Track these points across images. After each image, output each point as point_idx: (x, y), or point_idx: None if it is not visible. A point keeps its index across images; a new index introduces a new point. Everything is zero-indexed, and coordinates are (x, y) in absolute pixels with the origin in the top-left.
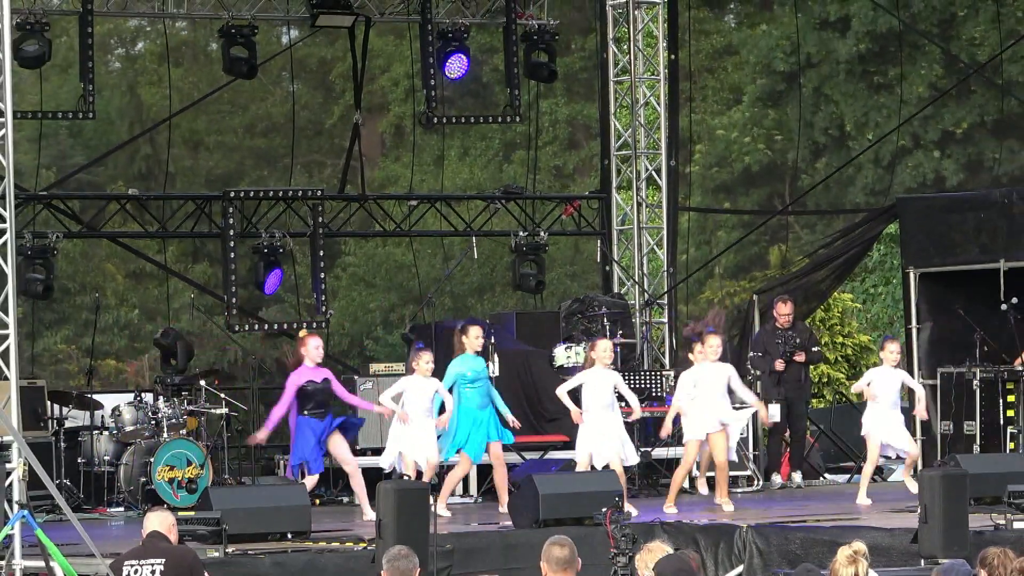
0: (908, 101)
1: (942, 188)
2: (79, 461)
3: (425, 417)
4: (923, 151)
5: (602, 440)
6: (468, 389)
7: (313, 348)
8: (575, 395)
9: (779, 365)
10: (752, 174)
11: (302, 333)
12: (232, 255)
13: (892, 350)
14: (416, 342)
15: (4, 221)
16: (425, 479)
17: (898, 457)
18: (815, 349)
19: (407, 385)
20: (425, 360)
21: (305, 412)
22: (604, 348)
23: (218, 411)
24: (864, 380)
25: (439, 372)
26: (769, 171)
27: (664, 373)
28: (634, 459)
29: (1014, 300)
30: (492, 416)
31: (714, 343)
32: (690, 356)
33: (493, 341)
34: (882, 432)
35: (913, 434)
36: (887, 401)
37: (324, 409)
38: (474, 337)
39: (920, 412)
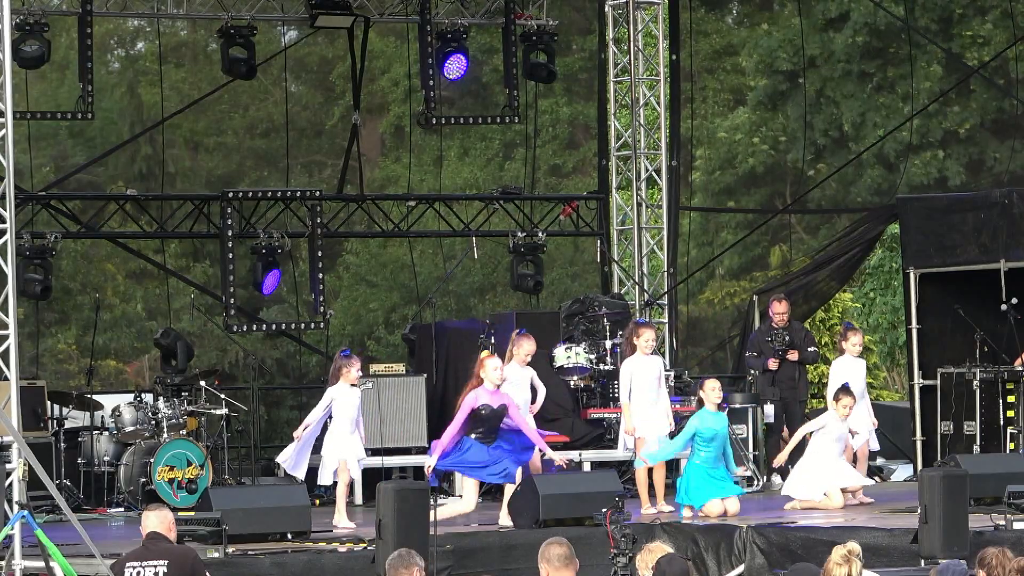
0: (909, 101)
1: (944, 189)
2: (79, 461)
3: (352, 425)
4: (926, 152)
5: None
6: (702, 449)
7: (492, 370)
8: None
9: (772, 364)
10: (754, 176)
11: (483, 354)
12: (231, 255)
13: (855, 341)
14: (343, 349)
15: (4, 221)
16: (342, 483)
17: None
18: (811, 349)
19: (334, 394)
20: (356, 368)
21: (473, 435)
22: (529, 347)
23: (218, 411)
24: (834, 380)
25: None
26: (771, 173)
27: (664, 373)
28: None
29: (1014, 300)
30: (723, 483)
31: (648, 336)
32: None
33: (493, 341)
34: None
35: (914, 433)
36: (856, 391)
37: (493, 436)
38: (710, 390)
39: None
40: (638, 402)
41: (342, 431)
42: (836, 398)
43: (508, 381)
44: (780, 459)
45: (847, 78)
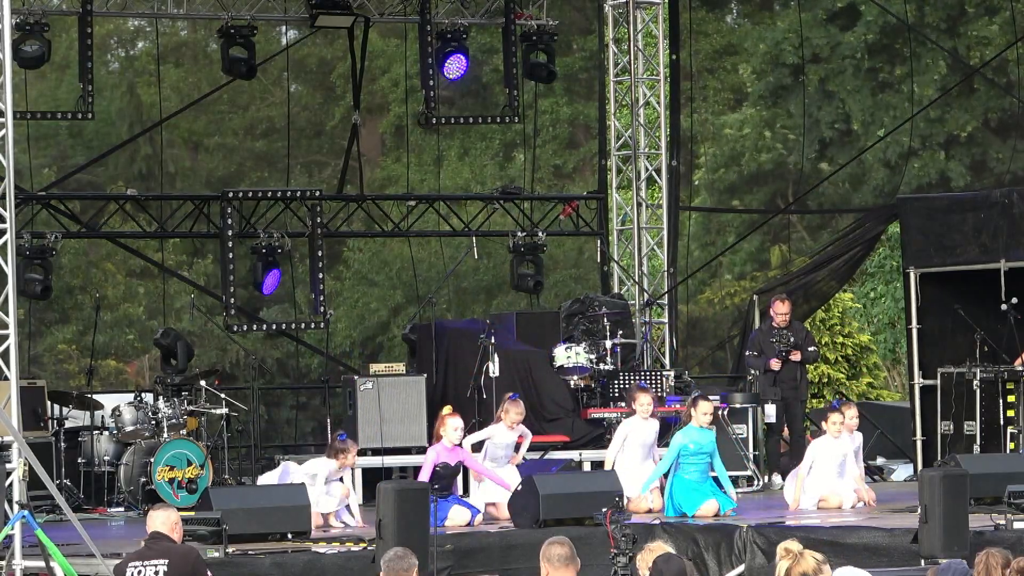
0: (915, 101)
1: (947, 189)
2: (79, 461)
3: (319, 492)
4: (929, 152)
5: (501, 492)
6: (688, 464)
7: (452, 430)
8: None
9: (774, 364)
10: (759, 174)
11: (445, 410)
12: (231, 255)
13: (852, 414)
14: (340, 433)
15: (4, 221)
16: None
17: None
18: (811, 348)
19: (319, 468)
20: (352, 454)
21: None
22: (516, 415)
23: (218, 411)
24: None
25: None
26: (774, 171)
27: (664, 373)
28: None
29: (1014, 300)
30: (712, 487)
31: (644, 400)
32: (823, 425)
33: (493, 341)
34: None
35: (914, 433)
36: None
37: (448, 491)
38: (702, 413)
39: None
40: (629, 461)
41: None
42: (825, 418)
43: (492, 439)
44: (794, 502)
45: (856, 74)
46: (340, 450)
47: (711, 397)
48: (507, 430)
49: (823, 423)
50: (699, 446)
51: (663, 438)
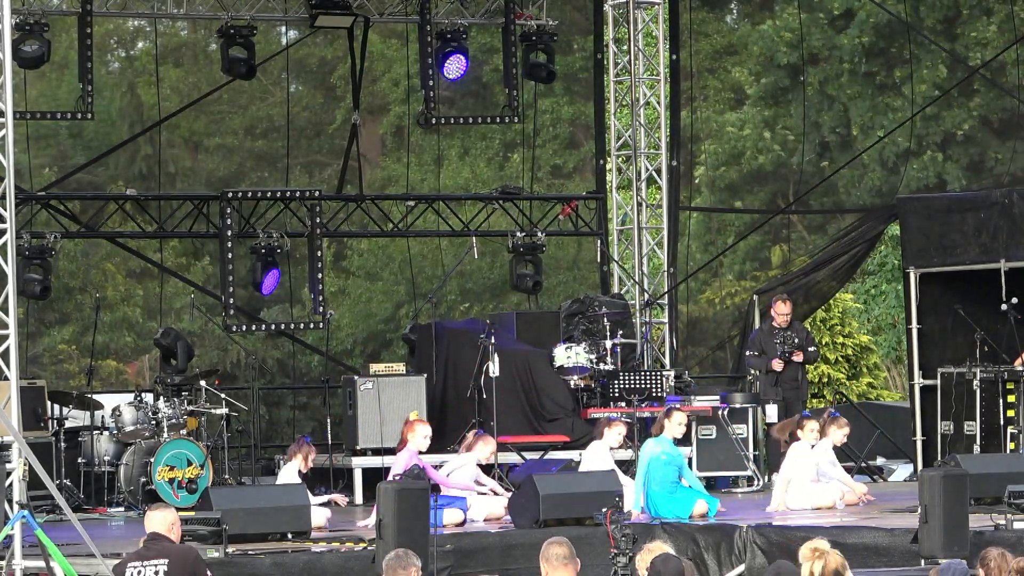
0: (914, 102)
1: (945, 190)
2: (79, 461)
3: None
4: (928, 153)
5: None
6: (657, 475)
7: (421, 437)
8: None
9: (777, 365)
10: (757, 175)
11: (413, 415)
12: (230, 255)
13: (811, 428)
14: (305, 436)
15: (4, 221)
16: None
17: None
18: (812, 349)
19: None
20: (310, 456)
21: None
22: (488, 448)
23: (218, 411)
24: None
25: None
26: (774, 171)
27: (664, 373)
28: None
29: (1014, 300)
30: (691, 491)
31: (619, 430)
32: (799, 432)
33: (493, 341)
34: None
35: (914, 433)
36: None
37: None
38: (676, 424)
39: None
40: None
41: None
42: (800, 425)
43: (460, 470)
44: (778, 505)
45: (853, 77)
46: (298, 451)
47: (710, 398)
48: (472, 463)
49: (798, 430)
50: (670, 456)
51: None
